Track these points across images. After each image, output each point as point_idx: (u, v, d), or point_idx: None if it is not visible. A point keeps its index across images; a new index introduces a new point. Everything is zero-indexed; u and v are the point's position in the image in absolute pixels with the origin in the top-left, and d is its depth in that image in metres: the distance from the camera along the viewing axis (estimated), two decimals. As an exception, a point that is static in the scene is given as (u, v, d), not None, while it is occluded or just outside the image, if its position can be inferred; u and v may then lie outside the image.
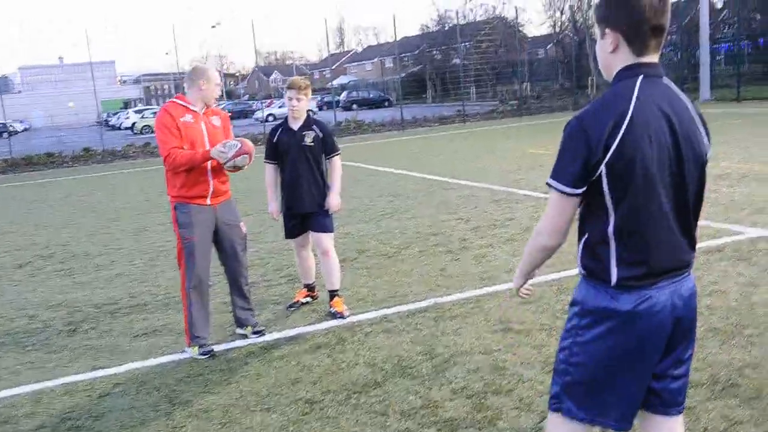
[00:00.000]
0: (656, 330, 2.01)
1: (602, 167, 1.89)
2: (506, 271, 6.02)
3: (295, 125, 5.20)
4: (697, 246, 2.13)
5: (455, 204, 9.55)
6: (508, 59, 40.40)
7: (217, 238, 4.79)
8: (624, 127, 1.88)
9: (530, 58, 38.61)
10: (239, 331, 5.01)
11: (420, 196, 10.48)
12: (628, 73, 1.98)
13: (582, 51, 38.58)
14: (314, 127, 5.23)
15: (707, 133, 2.07)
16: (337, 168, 5.30)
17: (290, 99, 5.14)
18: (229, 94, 74.71)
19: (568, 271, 5.69)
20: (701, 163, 2.02)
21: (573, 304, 2.12)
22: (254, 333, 4.92)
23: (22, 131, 52.34)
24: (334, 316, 5.19)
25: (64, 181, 18.30)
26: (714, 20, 33.14)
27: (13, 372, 4.65)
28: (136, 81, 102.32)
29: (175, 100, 4.72)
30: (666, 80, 2.01)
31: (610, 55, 2.01)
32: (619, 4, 1.95)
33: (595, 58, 2.13)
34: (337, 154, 5.30)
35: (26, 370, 4.66)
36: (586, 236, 2.03)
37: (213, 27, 71.76)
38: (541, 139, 17.68)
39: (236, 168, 4.63)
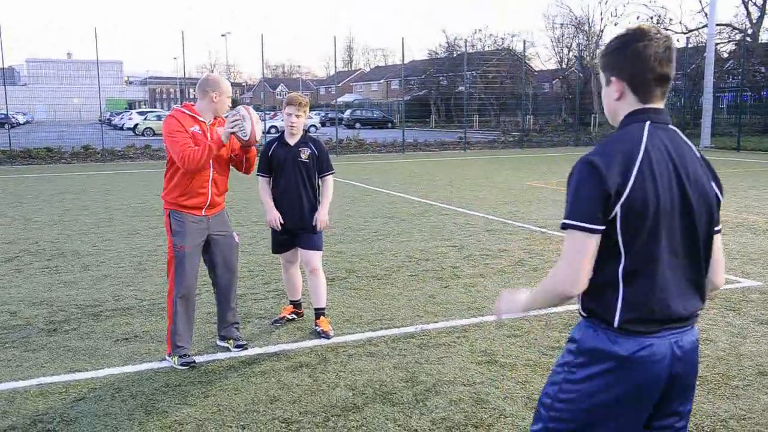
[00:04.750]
0: (652, 380, 1.96)
1: (617, 208, 1.88)
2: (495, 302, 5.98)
3: (292, 141, 5.19)
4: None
5: (449, 230, 9.53)
6: (513, 91, 40.68)
7: (209, 250, 4.75)
8: (636, 170, 1.89)
9: (535, 92, 38.89)
10: (221, 343, 4.95)
11: (415, 220, 10.46)
12: (636, 117, 1.99)
13: (587, 88, 38.88)
14: (310, 144, 5.22)
15: (717, 181, 2.06)
16: (329, 186, 5.28)
17: (289, 115, 5.12)
18: (234, 103, 74.97)
19: (557, 308, 5.65)
20: (710, 211, 2.01)
21: (571, 340, 2.07)
22: (236, 347, 4.86)
23: (24, 123, 52.36)
24: (319, 335, 5.14)
25: (61, 177, 18.23)
26: (719, 70, 33.49)
27: (-11, 368, 4.58)
28: (143, 83, 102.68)
29: (182, 109, 4.64)
30: (672, 127, 2.03)
31: (615, 102, 2.04)
32: (624, 53, 1.97)
33: (599, 96, 2.17)
34: (331, 173, 5.28)
35: (2, 368, 4.58)
36: (593, 278, 1.97)
37: (223, 36, 72.20)
38: (541, 173, 17.74)
39: (248, 144, 4.61)
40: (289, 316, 5.53)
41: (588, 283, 1.94)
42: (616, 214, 1.89)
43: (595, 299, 1.98)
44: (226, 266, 4.82)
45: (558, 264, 1.97)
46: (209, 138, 4.55)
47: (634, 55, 1.94)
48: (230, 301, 4.90)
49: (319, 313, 5.26)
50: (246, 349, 4.85)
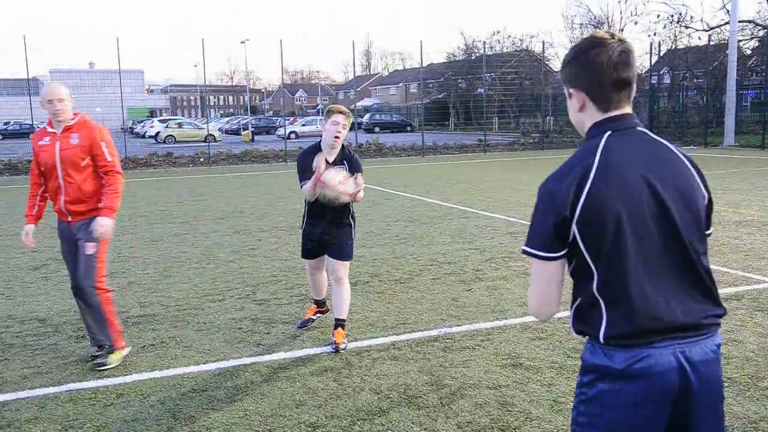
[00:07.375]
0: (657, 393, 1.86)
1: (573, 227, 1.86)
2: (519, 305, 5.96)
3: (331, 156, 5.02)
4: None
5: (471, 233, 9.51)
6: (533, 92, 40.47)
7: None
8: (588, 184, 1.85)
9: (555, 93, 38.61)
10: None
11: (436, 223, 10.45)
12: (594, 131, 1.97)
13: (607, 88, 38.41)
14: (344, 162, 5.00)
15: (701, 178, 1.98)
16: (353, 183, 4.92)
17: (335, 124, 4.91)
18: (254, 110, 75.54)
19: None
20: (696, 211, 1.93)
21: (581, 360, 2.04)
22: (93, 356, 4.84)
23: (49, 134, 53.07)
24: (331, 345, 5.03)
25: (86, 185, 18.46)
26: (741, 67, 33.02)
27: (21, 375, 4.66)
28: (164, 91, 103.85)
29: (44, 125, 4.86)
30: (641, 129, 1.96)
31: (579, 113, 2.01)
32: (577, 64, 1.94)
33: None
34: (359, 174, 4.98)
35: (33, 375, 4.66)
36: (578, 300, 1.96)
37: (242, 42, 72.68)
38: (561, 174, 17.59)
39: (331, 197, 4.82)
40: (314, 316, 5.54)
41: (571, 306, 1.98)
42: (574, 233, 1.87)
43: (581, 319, 1.96)
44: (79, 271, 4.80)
45: (528, 292, 2.01)
46: (56, 146, 4.64)
47: (588, 65, 1.91)
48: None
49: (338, 324, 5.11)
50: (103, 355, 4.78)
